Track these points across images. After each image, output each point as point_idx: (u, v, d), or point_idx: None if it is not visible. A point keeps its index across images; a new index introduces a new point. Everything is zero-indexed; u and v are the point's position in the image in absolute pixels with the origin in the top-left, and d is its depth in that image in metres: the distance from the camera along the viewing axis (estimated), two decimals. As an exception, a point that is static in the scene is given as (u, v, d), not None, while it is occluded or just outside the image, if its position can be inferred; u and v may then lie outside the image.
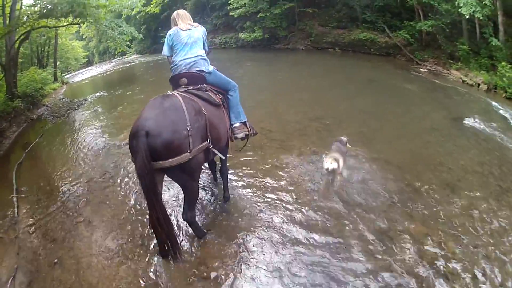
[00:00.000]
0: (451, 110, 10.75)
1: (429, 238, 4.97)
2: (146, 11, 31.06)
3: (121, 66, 23.97)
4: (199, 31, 5.00)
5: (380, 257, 4.56)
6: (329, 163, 5.65)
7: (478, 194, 6.07)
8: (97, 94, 15.47)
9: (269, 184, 6.19)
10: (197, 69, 4.77)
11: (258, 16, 24.57)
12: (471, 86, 13.87)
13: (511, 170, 6.98)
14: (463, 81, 14.38)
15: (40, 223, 5.77)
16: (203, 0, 31.67)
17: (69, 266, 4.54)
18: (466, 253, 4.71)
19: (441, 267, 4.46)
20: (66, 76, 28.00)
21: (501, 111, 10.87)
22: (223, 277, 4.15)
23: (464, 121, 9.76)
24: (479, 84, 13.74)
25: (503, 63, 13.15)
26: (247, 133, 5.26)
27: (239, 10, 25.34)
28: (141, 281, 4.18)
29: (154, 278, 4.21)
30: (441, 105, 11.33)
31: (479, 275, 4.35)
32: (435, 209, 5.60)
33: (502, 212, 5.59)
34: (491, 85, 13.32)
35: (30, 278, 4.65)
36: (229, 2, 26.21)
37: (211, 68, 4.96)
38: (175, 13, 5.08)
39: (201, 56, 4.88)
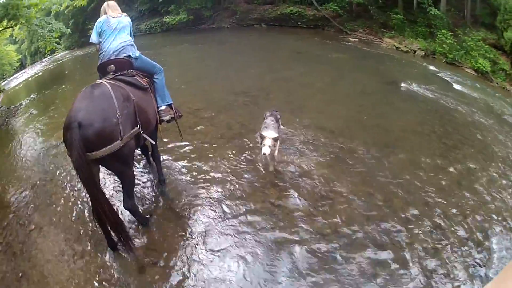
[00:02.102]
0: (384, 75, 11.08)
1: (374, 196, 5.15)
2: (74, 4, 29.98)
3: (51, 65, 23.35)
4: (127, 19, 5.15)
5: (321, 219, 4.76)
6: (266, 148, 5.32)
7: (421, 152, 6.24)
8: (31, 97, 15.00)
9: (203, 163, 6.18)
10: (125, 54, 4.87)
11: None
12: (406, 53, 14.70)
13: (457, 129, 7.27)
14: (397, 48, 15.15)
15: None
16: None
17: (33, 278, 4.47)
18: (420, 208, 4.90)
19: (391, 225, 4.65)
20: (3, 83, 26.60)
21: (440, 74, 11.53)
22: (174, 260, 4.26)
23: (400, 85, 10.05)
24: (415, 51, 14.56)
25: (443, 31, 14.06)
26: (173, 115, 5.33)
27: None
28: (97, 277, 4.18)
29: (109, 272, 4.24)
30: (373, 71, 11.75)
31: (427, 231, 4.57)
32: (375, 168, 5.71)
33: (451, 167, 5.81)
34: (429, 51, 14.18)
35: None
36: None
37: (137, 53, 5.06)
38: (105, 4, 5.20)
39: (129, 42, 5.00)
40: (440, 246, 4.37)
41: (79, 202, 5.55)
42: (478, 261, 4.23)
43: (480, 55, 13.69)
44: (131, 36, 5.17)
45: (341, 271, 4.01)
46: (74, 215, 5.29)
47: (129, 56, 4.89)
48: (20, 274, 4.53)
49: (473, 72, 13.52)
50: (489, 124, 8.16)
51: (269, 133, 5.35)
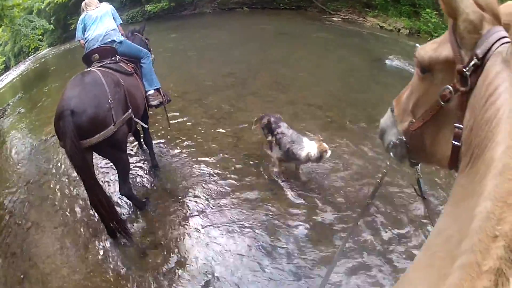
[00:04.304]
0: (370, 53, 11.22)
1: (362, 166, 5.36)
2: (56, 1, 29.36)
3: (36, 63, 22.95)
4: (107, 6, 5.36)
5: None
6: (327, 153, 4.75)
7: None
8: (18, 96, 14.74)
9: (194, 143, 6.37)
10: (109, 40, 4.98)
11: None
12: (390, 31, 14.65)
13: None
14: (381, 27, 15.16)
15: (-2, 240, 5.80)
16: None
17: (34, 277, 4.47)
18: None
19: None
20: (-11, 87, 26.10)
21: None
22: (173, 241, 4.41)
23: (386, 61, 10.20)
24: (399, 29, 14.63)
25: (428, 10, 14.15)
26: (161, 100, 5.47)
27: None
28: (99, 268, 4.27)
29: (110, 260, 4.32)
30: (358, 49, 11.85)
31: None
32: (362, 138, 5.91)
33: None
34: (413, 30, 14.23)
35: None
36: None
37: (122, 37, 5.18)
38: (83, 2, 5.33)
39: (112, 27, 5.12)
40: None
41: (73, 195, 5.65)
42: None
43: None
44: (115, 20, 5.31)
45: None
46: (69, 208, 5.38)
47: (113, 41, 5.00)
48: (22, 276, 4.59)
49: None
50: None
51: (311, 144, 4.76)
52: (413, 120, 1.26)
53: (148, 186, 5.48)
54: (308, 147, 4.65)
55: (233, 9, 21.46)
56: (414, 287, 0.93)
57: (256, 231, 4.38)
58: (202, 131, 6.68)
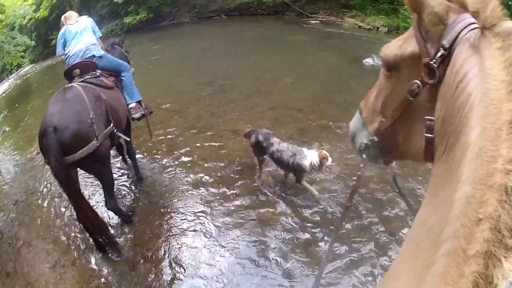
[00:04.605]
0: (348, 53, 11.33)
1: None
2: (36, 17, 29.22)
3: (18, 80, 22.79)
4: (86, 20, 5.39)
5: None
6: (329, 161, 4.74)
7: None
8: (2, 115, 14.56)
9: (177, 155, 6.37)
10: (89, 55, 5.00)
11: None
12: (368, 30, 14.78)
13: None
14: (359, 27, 15.28)
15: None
16: None
17: None
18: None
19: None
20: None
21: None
22: (163, 252, 4.42)
23: (364, 61, 10.22)
24: (378, 28, 14.77)
25: (406, 6, 14.06)
26: (143, 112, 5.50)
27: None
28: (91, 284, 4.26)
29: (103, 274, 4.33)
30: (336, 50, 11.96)
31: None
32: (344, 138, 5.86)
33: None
34: (392, 27, 14.33)
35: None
36: None
37: (102, 52, 5.20)
38: (63, 16, 5.41)
39: (92, 42, 5.14)
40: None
41: (62, 212, 5.61)
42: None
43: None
44: (95, 34, 5.35)
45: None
46: (59, 225, 5.35)
47: (93, 56, 5.01)
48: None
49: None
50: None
51: (311, 153, 4.72)
52: (383, 119, 1.25)
53: (134, 199, 5.48)
54: (310, 155, 4.60)
55: (211, 17, 21.52)
56: (400, 279, 0.92)
57: (246, 237, 4.39)
58: (185, 142, 6.69)
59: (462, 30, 0.89)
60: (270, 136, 5.05)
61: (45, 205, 5.94)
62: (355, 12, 16.23)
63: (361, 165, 1.65)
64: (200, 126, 7.21)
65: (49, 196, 6.14)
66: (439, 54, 0.92)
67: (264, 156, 5.16)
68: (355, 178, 5.09)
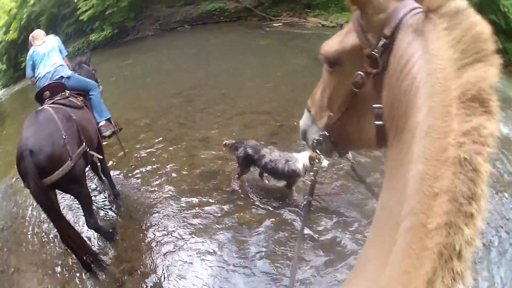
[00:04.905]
0: (312, 52, 11.42)
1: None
2: (6, 39, 28.76)
3: None
4: (52, 39, 5.41)
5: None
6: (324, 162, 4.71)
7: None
8: None
9: (150, 168, 6.41)
10: (58, 76, 5.05)
11: (106, 13, 23.59)
12: (332, 28, 14.97)
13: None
14: (323, 25, 15.44)
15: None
16: (55, 11, 29.88)
17: None
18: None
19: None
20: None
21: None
22: (148, 265, 4.45)
23: None
24: (341, 25, 14.85)
25: None
26: (113, 129, 5.53)
27: (88, 12, 24.09)
28: None
29: None
30: (300, 50, 12.13)
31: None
32: None
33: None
34: None
35: None
36: (78, 7, 24.95)
37: (69, 72, 5.24)
38: (30, 35, 5.44)
39: (60, 63, 5.17)
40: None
41: (47, 234, 5.60)
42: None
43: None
44: (61, 53, 5.38)
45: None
46: (45, 248, 5.34)
47: (61, 77, 5.06)
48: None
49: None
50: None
51: (302, 155, 4.78)
52: (331, 113, 1.26)
53: (113, 216, 5.50)
54: (301, 158, 4.65)
55: (174, 28, 21.51)
56: (369, 262, 0.94)
57: (227, 243, 4.47)
58: (157, 155, 6.73)
59: (404, 16, 0.88)
60: (260, 147, 4.99)
61: (30, 230, 5.91)
62: (318, 11, 16.42)
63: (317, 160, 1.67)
64: (171, 138, 7.24)
65: (33, 221, 6.12)
66: (381, 43, 0.92)
67: (251, 169, 5.20)
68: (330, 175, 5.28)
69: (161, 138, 7.32)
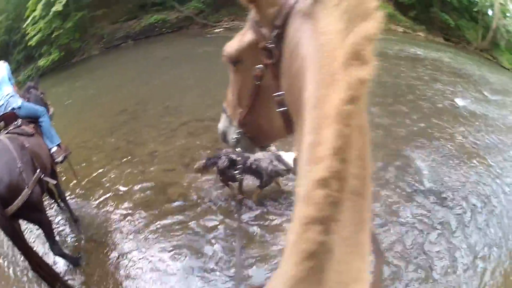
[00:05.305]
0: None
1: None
2: None
3: None
4: (2, 68, 5.42)
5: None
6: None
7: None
8: None
9: (104, 188, 6.45)
10: (10, 108, 5.14)
11: (53, 36, 22.99)
12: None
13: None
14: None
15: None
16: (6, 39, 28.78)
17: None
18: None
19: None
20: None
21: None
22: (119, 283, 4.56)
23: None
24: None
25: None
26: (65, 154, 5.58)
27: (36, 36, 23.37)
28: None
29: None
30: None
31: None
32: None
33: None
34: None
35: None
36: (26, 32, 24.16)
37: (19, 102, 5.29)
38: None
39: (11, 94, 5.25)
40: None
41: (21, 264, 5.48)
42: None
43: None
44: (10, 81, 5.44)
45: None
46: (21, 278, 5.27)
47: (13, 109, 5.16)
48: None
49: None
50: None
51: (287, 155, 4.92)
52: (241, 110, 1.31)
53: (76, 241, 5.53)
54: (289, 156, 4.83)
55: (118, 45, 21.25)
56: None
57: (184, 250, 4.68)
58: (110, 175, 6.77)
59: (295, 4, 0.89)
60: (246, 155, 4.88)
61: (5, 263, 5.79)
62: (258, 14, 16.51)
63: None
64: (120, 156, 7.31)
65: (4, 252, 6.01)
66: (274, 34, 0.95)
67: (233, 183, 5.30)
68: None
69: (111, 158, 7.37)
